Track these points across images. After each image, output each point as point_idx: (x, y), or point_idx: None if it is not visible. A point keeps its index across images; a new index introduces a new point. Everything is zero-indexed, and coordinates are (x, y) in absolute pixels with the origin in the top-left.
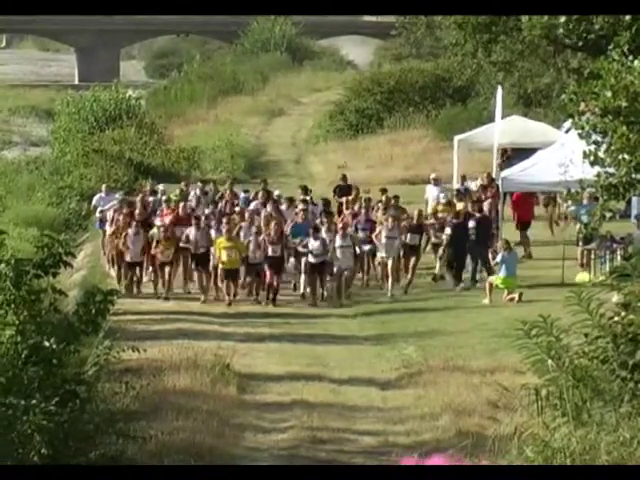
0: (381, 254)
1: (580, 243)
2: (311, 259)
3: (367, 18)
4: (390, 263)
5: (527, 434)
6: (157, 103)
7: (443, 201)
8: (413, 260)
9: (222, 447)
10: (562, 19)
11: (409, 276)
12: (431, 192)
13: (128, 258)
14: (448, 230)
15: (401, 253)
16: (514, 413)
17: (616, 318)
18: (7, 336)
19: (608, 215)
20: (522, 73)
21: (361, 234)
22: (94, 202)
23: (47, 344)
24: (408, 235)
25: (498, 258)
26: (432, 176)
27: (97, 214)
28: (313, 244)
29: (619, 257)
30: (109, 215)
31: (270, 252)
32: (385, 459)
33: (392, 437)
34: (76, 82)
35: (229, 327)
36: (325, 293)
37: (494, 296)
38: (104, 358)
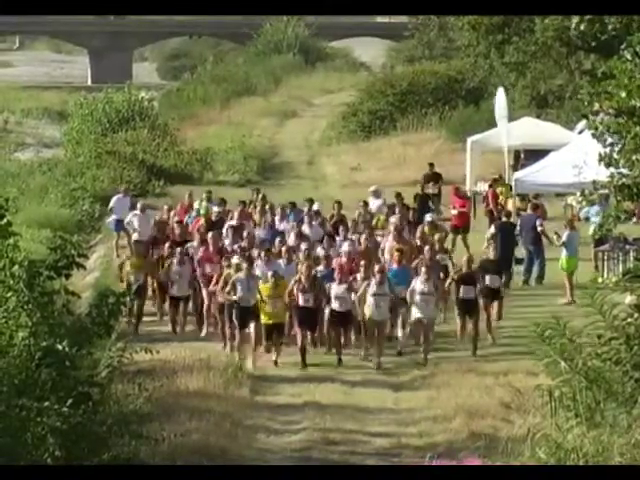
0: (416, 314)
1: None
2: (335, 306)
3: (380, 19)
4: (426, 324)
5: (540, 435)
6: (170, 105)
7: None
8: (474, 317)
9: (235, 449)
10: (575, 19)
11: (474, 336)
12: (373, 205)
13: (174, 292)
14: (493, 229)
15: (456, 312)
16: (527, 414)
17: (629, 319)
18: (20, 338)
19: (622, 217)
20: (535, 74)
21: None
22: (112, 204)
23: (60, 346)
24: (461, 288)
25: (564, 237)
26: (371, 189)
27: (113, 216)
28: (337, 288)
29: (632, 259)
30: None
31: (301, 302)
32: (397, 461)
33: (404, 439)
34: (89, 84)
35: None
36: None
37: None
38: (117, 360)
